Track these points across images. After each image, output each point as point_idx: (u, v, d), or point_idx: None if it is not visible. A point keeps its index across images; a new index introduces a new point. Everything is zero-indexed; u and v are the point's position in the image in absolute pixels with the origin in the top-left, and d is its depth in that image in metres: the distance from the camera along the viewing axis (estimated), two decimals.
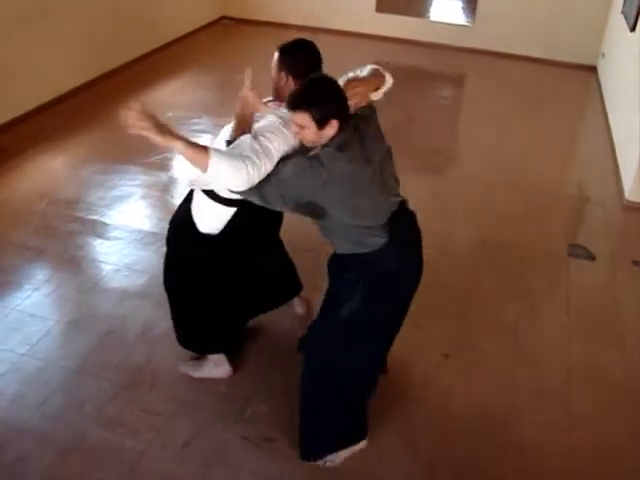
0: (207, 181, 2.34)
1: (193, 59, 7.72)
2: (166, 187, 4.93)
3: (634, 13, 5.80)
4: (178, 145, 2.21)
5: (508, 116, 6.60)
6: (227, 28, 8.92)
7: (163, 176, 5.07)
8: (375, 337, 2.66)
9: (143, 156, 5.32)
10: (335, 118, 2.32)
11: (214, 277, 2.95)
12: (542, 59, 8.04)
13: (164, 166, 5.21)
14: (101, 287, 3.81)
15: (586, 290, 4.00)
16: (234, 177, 2.24)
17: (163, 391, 3.10)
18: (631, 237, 4.68)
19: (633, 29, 5.84)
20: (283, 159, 2.37)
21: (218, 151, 2.26)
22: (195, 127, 5.93)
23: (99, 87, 6.64)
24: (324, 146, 2.34)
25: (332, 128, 2.34)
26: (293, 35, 2.64)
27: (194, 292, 2.98)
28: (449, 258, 4.21)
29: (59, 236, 4.25)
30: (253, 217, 2.79)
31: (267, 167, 2.30)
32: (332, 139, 2.35)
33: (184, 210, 2.90)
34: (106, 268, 3.97)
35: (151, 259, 4.02)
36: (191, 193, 2.90)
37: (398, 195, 2.57)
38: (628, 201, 4.94)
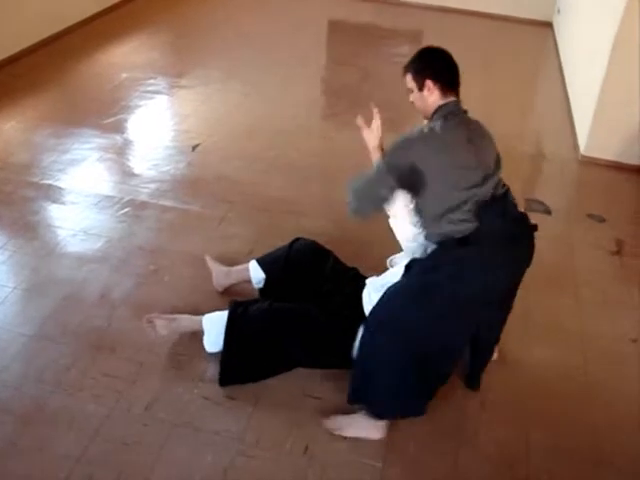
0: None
1: (147, 19, 7.52)
2: (121, 150, 4.83)
3: None
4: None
5: (464, 72, 6.52)
6: None
7: (118, 138, 4.97)
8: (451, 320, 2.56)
9: (97, 118, 5.21)
10: (430, 78, 2.45)
11: None
12: (498, 15, 8.03)
13: (119, 128, 5.10)
14: (58, 252, 3.75)
15: (543, 243, 4.00)
16: None
17: (124, 354, 3.08)
18: (586, 191, 4.76)
19: None
20: None
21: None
22: (150, 88, 5.81)
23: (51, 48, 6.44)
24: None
25: (430, 91, 2.48)
26: None
27: None
28: None
29: (13, 202, 4.15)
30: None
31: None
32: (437, 111, 2.52)
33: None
34: (62, 233, 3.90)
35: (108, 223, 3.95)
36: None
37: (498, 182, 2.58)
38: (583, 156, 5.01)
